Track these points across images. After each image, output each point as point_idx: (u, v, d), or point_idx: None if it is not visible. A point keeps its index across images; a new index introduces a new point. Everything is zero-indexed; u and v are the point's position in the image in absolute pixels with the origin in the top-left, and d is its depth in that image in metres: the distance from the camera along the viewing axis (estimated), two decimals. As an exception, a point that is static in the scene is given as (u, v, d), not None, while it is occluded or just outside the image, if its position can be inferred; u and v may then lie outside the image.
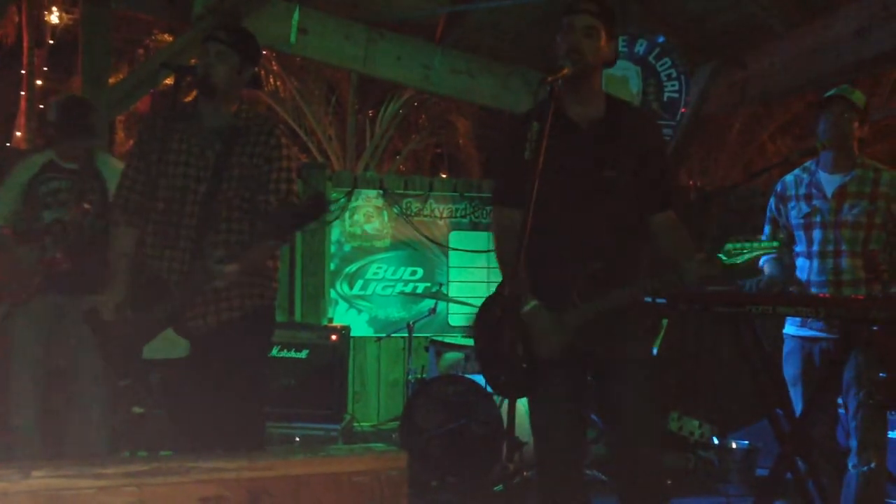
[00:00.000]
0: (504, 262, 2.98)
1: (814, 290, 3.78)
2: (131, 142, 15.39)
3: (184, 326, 3.08)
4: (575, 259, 2.86)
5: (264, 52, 11.85)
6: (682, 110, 6.37)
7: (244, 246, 3.09)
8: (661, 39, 6.28)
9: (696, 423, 5.58)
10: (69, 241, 3.89)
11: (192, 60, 5.87)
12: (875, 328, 3.18)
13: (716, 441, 5.45)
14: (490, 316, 3.02)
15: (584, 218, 2.88)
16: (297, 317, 6.77)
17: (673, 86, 6.37)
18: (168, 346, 3.04)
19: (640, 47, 6.31)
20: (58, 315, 3.98)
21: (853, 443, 3.69)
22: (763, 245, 2.88)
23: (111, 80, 6.20)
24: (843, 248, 3.74)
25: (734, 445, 5.33)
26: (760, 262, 4.01)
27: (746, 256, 2.88)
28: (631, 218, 2.93)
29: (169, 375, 3.14)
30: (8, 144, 14.27)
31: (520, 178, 2.65)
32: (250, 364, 3.23)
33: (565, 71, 2.74)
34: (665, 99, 6.35)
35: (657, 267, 2.91)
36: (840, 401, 3.82)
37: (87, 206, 3.95)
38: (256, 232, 2.94)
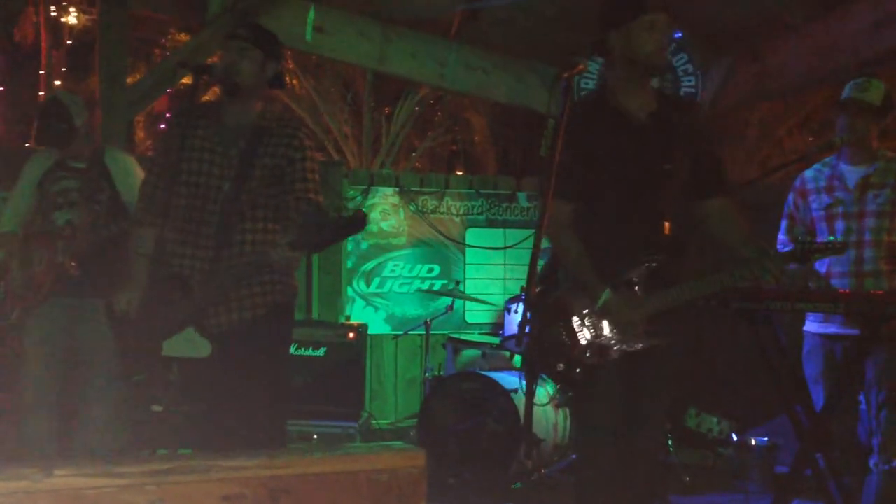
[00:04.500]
0: (567, 258, 2.97)
1: (834, 282, 3.75)
2: (150, 141, 15.51)
3: (204, 325, 3.09)
4: (634, 252, 2.88)
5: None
6: (699, 106, 6.34)
7: (270, 245, 3.09)
8: (677, 35, 6.25)
9: (715, 419, 5.56)
10: (80, 246, 3.87)
11: (209, 60, 5.89)
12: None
13: (735, 437, 5.43)
14: (550, 304, 3.00)
15: (642, 210, 2.91)
16: (315, 315, 6.78)
17: (689, 81, 6.35)
18: (189, 345, 3.05)
19: (657, 43, 6.28)
20: (72, 316, 3.97)
21: (875, 441, 3.66)
22: (831, 245, 2.96)
23: (129, 80, 6.24)
24: (866, 238, 3.72)
25: (753, 442, 5.30)
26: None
27: (818, 256, 2.95)
28: (686, 211, 2.97)
29: (189, 373, 3.15)
30: (27, 144, 14.37)
31: (576, 171, 2.70)
32: (270, 361, 3.24)
33: (581, 67, 2.74)
34: (682, 94, 6.32)
35: (716, 262, 2.94)
36: (861, 398, 3.79)
37: (96, 207, 3.92)
38: (293, 239, 2.88)
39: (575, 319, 2.89)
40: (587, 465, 3.00)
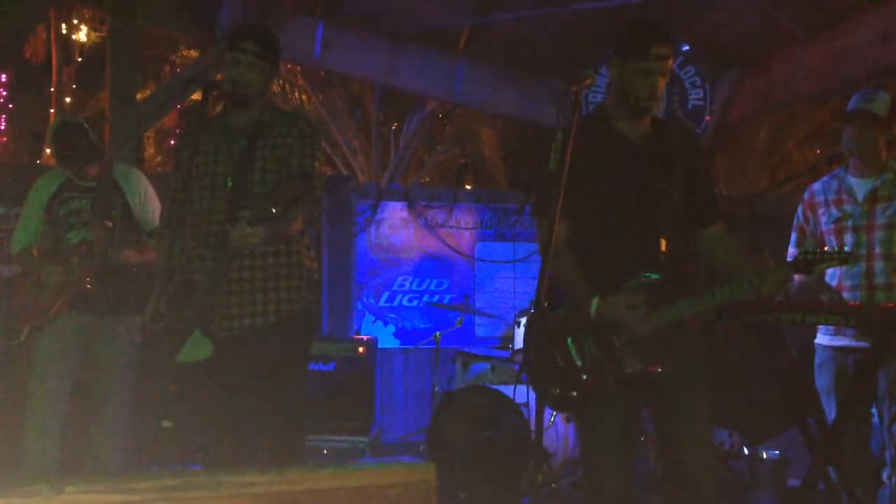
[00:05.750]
0: (560, 274, 2.91)
1: (845, 295, 3.73)
2: (160, 158, 15.58)
3: (212, 327, 3.09)
4: (630, 270, 2.82)
5: (289, 67, 11.94)
6: (707, 119, 6.35)
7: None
8: (684, 48, 6.26)
9: (726, 432, 5.53)
10: (95, 262, 3.87)
11: (218, 76, 5.92)
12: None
13: (746, 451, 5.40)
14: (543, 328, 2.92)
15: (637, 229, 2.88)
16: (325, 329, 6.79)
17: (697, 94, 6.35)
18: (194, 348, 3.04)
19: (664, 56, 6.29)
20: (87, 334, 3.97)
21: (888, 454, 3.64)
22: (835, 254, 2.85)
23: (139, 97, 6.28)
24: (876, 251, 3.70)
25: (765, 455, 5.27)
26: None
27: (823, 266, 2.87)
28: (681, 230, 2.94)
29: (196, 382, 3.15)
30: (38, 162, 14.44)
31: (568, 189, 2.65)
32: (280, 372, 3.20)
33: (588, 81, 2.73)
34: (689, 107, 6.33)
35: (712, 280, 2.90)
36: (874, 410, 3.77)
37: (108, 223, 3.93)
38: (251, 215, 2.93)
39: (569, 341, 2.83)
40: (592, 487, 2.97)
